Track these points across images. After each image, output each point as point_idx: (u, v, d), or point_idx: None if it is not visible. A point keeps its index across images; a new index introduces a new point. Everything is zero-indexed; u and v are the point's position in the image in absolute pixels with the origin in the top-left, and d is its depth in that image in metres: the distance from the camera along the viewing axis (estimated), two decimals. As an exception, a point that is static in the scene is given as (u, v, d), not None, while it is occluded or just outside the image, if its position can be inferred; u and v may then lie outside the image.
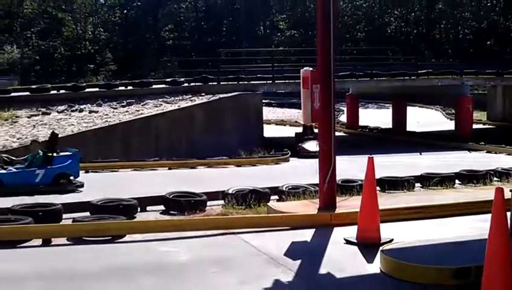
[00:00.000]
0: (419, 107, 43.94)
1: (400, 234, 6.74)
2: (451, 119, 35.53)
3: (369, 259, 6.06)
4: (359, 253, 6.32)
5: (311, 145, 18.35)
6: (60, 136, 17.44)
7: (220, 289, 5.28)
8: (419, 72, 28.05)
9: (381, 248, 5.93)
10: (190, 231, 7.23)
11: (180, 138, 19.75)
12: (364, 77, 27.24)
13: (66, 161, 12.28)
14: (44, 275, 5.71)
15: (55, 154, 12.27)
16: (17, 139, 16.96)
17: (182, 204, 9.15)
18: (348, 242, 6.67)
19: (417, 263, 5.40)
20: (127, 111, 20.40)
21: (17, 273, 5.78)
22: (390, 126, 32.61)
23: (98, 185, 12.40)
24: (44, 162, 12.08)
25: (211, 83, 23.74)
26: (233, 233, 7.24)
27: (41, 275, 5.70)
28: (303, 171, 15.35)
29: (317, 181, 9.35)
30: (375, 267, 5.81)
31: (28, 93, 22.01)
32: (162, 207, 9.42)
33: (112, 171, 15.39)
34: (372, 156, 6.58)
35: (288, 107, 44.78)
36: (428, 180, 11.83)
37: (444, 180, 11.77)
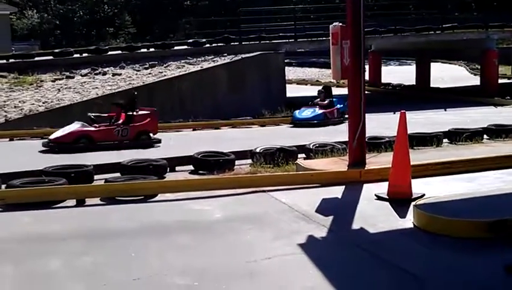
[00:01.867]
0: (442, 63, 43.29)
1: (431, 190, 6.74)
2: (475, 75, 34.99)
3: (402, 214, 6.07)
4: (391, 208, 6.33)
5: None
6: (84, 99, 17.63)
7: (255, 245, 5.33)
8: (443, 26, 27.49)
9: (414, 203, 5.94)
10: (221, 189, 7.30)
11: (203, 99, 19.73)
12: (387, 33, 26.80)
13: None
14: (81, 234, 5.82)
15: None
16: (43, 103, 17.12)
17: (210, 163, 9.20)
18: (379, 198, 6.68)
19: (451, 216, 5.41)
20: (149, 73, 20.39)
21: (54, 233, 5.91)
22: (414, 83, 32.22)
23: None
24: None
25: (232, 43, 23.56)
26: (263, 191, 7.29)
27: (78, 234, 5.81)
28: (326, 130, 15.37)
29: (343, 139, 9.38)
30: (407, 222, 5.83)
31: (51, 57, 22.04)
32: (190, 167, 9.49)
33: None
34: (403, 111, 6.51)
35: (309, 66, 44.46)
36: (457, 136, 11.73)
37: (472, 136, 11.65)
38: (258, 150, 9.82)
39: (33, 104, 17.10)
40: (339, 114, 17.22)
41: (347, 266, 4.82)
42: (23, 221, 6.31)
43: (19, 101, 17.36)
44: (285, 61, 25.42)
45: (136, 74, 20.32)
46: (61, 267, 4.87)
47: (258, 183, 7.47)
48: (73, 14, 54.76)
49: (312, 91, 29.91)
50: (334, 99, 17.82)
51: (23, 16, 49.26)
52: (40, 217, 6.42)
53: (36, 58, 21.78)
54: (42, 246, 5.48)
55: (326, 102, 17.62)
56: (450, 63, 44.16)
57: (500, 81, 29.47)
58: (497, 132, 12.39)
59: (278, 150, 9.64)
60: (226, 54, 22.23)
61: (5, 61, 21.07)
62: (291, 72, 39.43)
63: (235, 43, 23.51)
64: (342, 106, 16.96)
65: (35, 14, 50.16)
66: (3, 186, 7.61)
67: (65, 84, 19.13)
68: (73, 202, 6.95)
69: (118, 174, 8.46)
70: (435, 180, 7.42)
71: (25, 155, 11.37)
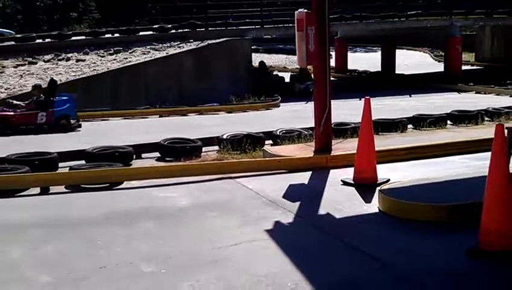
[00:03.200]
0: (408, 49, 43.77)
1: (396, 175, 6.83)
2: (439, 61, 35.52)
3: (367, 199, 6.14)
4: (357, 193, 6.40)
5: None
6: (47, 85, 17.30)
7: (221, 232, 5.33)
8: (408, 13, 27.78)
9: (378, 188, 6.02)
10: (188, 176, 7.27)
11: (169, 85, 19.60)
12: (353, 20, 26.95)
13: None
14: (45, 222, 5.73)
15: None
16: (5, 89, 16.77)
17: (177, 150, 9.14)
18: (345, 183, 6.75)
19: (415, 201, 5.49)
20: (114, 59, 20.14)
21: (18, 221, 5.81)
22: (379, 70, 32.53)
23: (90, 133, 12.39)
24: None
25: (198, 29, 23.41)
26: (230, 177, 7.29)
27: (42, 222, 5.72)
28: (294, 116, 15.41)
29: (310, 125, 9.42)
30: (373, 206, 5.90)
31: (12, 42, 21.59)
32: (157, 154, 9.42)
33: (103, 120, 15.32)
34: (368, 97, 6.57)
35: (276, 53, 44.46)
36: (421, 122, 11.90)
37: (436, 121, 11.84)
38: (225, 137, 9.80)
39: (-5, 90, 16.74)
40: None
41: (313, 250, 4.85)
42: (-15, 210, 6.19)
43: (-20, 88, 16.97)
44: (252, 47, 25.37)
45: (101, 60, 20.05)
46: (24, 255, 4.79)
47: (225, 169, 7.47)
48: (35, -2, 53.56)
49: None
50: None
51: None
52: (3, 205, 6.31)
53: (-3, 44, 21.29)
54: (4, 234, 5.39)
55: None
56: (414, 50, 44.71)
57: (464, 67, 29.96)
58: (460, 117, 12.61)
59: (245, 137, 9.64)
60: (192, 40, 22.10)
61: (-36, 46, 20.56)
62: (258, 59, 39.27)
63: (202, 29, 23.38)
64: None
65: (-4, -1, 48.99)
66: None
67: (28, 70, 18.77)
68: (37, 190, 6.85)
69: (82, 162, 8.35)
70: (400, 166, 7.53)
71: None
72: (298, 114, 15.94)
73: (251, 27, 24.22)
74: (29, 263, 4.63)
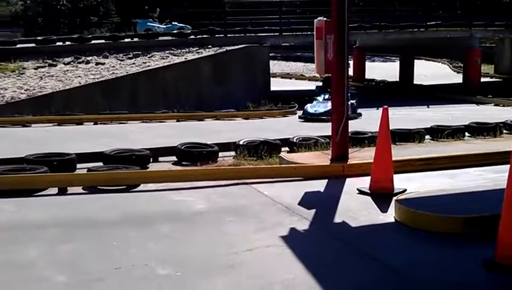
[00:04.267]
0: (426, 60, 43.58)
1: (413, 185, 6.80)
2: (458, 73, 35.31)
3: (383, 209, 6.12)
4: (372, 203, 6.37)
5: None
6: (67, 88, 17.49)
7: (237, 237, 5.34)
8: (428, 23, 27.69)
9: (395, 198, 6.00)
10: (204, 181, 7.30)
11: (187, 91, 19.72)
12: (372, 29, 26.92)
13: None
14: (62, 222, 5.79)
15: None
16: (25, 90, 16.97)
17: (194, 155, 9.18)
18: (361, 192, 6.73)
19: (432, 211, 5.47)
20: (133, 63, 20.31)
21: (35, 221, 5.86)
22: (397, 79, 32.43)
23: (108, 135, 12.48)
24: None
25: (217, 35, 23.53)
26: (246, 183, 7.29)
27: (59, 222, 5.78)
28: (310, 124, 15.42)
29: (326, 133, 9.42)
30: (389, 216, 5.87)
31: (33, 44, 21.87)
32: (174, 158, 9.47)
33: (120, 123, 15.43)
34: (386, 106, 6.55)
35: (293, 60, 44.53)
36: (438, 133, 11.83)
37: (453, 133, 11.77)
38: (241, 142, 9.82)
39: (15, 91, 16.97)
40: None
41: (328, 258, 4.85)
42: (4, 208, 6.24)
43: (1, 88, 17.20)
44: (270, 54, 25.45)
45: (120, 64, 20.23)
46: (41, 255, 4.83)
47: (241, 175, 7.48)
48: (57, 1, 54.10)
49: (296, 85, 30.07)
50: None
51: (6, 2, 48.61)
52: (21, 205, 6.37)
53: (19, 46, 21.61)
54: (22, 233, 5.44)
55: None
56: (433, 61, 44.50)
57: (483, 79, 29.79)
58: (479, 129, 12.51)
59: (262, 143, 9.65)
60: (210, 46, 22.22)
61: (-14, 47, 20.84)
62: (275, 66, 39.46)
63: (220, 35, 23.51)
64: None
65: (19, 1, 49.52)
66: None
67: (47, 72, 18.99)
68: (55, 190, 6.91)
69: (100, 164, 8.41)
70: (417, 176, 7.48)
71: (6, 142, 11.27)
72: (315, 122, 15.96)
73: (269, 34, 24.31)
74: (45, 263, 4.67)
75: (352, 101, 17.52)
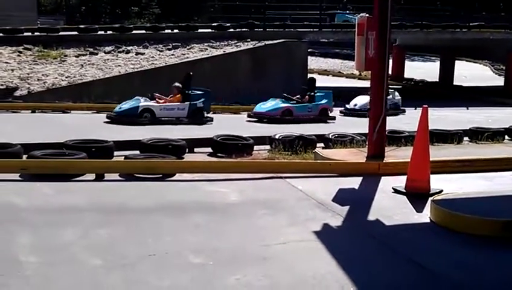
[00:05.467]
0: (467, 61, 42.83)
1: (449, 186, 6.71)
2: (499, 75, 34.64)
3: (418, 209, 6.05)
4: (408, 202, 6.31)
5: None
6: (107, 76, 17.74)
7: (270, 229, 5.36)
8: (470, 24, 27.21)
9: (431, 198, 5.92)
10: (238, 173, 7.32)
11: (224, 83, 19.77)
12: (413, 28, 26.57)
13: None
14: (99, 208, 5.89)
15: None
16: (66, 77, 17.28)
17: (229, 147, 9.23)
18: (396, 191, 6.66)
19: (468, 213, 5.39)
20: (172, 54, 20.47)
21: (73, 205, 5.98)
22: (437, 80, 31.97)
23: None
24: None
25: (256, 29, 23.53)
26: (280, 177, 7.30)
27: (96, 207, 5.88)
28: (346, 120, 15.34)
29: (363, 131, 9.36)
30: (424, 216, 5.81)
31: (76, 33, 22.22)
32: (209, 149, 9.53)
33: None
34: (426, 105, 6.47)
35: (331, 57, 44.25)
36: (477, 135, 11.64)
37: (493, 135, 11.56)
38: (277, 137, 9.83)
39: (56, 78, 17.29)
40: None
41: (360, 255, 4.83)
42: (43, 192, 6.39)
43: (42, 75, 17.54)
44: (308, 50, 25.32)
45: (159, 54, 20.41)
46: (77, 238, 4.93)
47: (276, 169, 7.49)
48: (99, -9, 54.80)
49: (333, 82, 29.92)
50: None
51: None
52: (59, 189, 6.50)
53: (61, 33, 21.97)
54: (60, 217, 5.55)
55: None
56: (474, 62, 43.69)
57: (525, 83, 29.09)
58: (520, 133, 12.27)
59: (297, 138, 9.65)
60: (249, 40, 22.23)
61: (30, 34, 21.27)
62: (313, 62, 39.28)
63: (259, 29, 23.47)
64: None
65: (63, -10, 50.36)
66: (24, 156, 7.70)
67: (88, 60, 19.28)
68: (92, 176, 7.02)
69: (137, 152, 8.52)
70: (454, 177, 7.37)
71: (46, 128, 11.50)
72: (350, 119, 15.86)
73: (309, 30, 24.19)
74: (81, 246, 4.76)
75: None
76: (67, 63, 18.96)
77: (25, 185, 6.67)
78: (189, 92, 14.30)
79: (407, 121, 12.36)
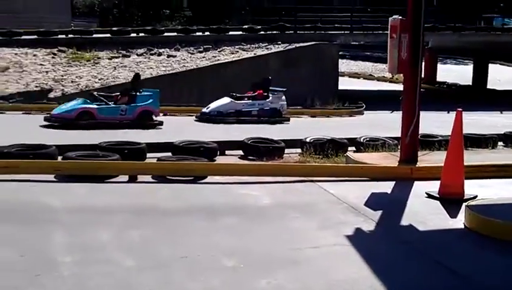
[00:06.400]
0: (501, 64, 42.09)
1: (484, 192, 6.60)
2: (535, 79, 33.96)
3: (452, 214, 5.98)
4: (441, 208, 6.23)
5: None
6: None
7: (301, 233, 5.35)
8: (505, 26, 26.75)
9: (466, 204, 5.84)
10: (270, 176, 7.33)
11: (255, 86, 19.75)
12: (446, 30, 26.23)
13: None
14: (131, 209, 5.96)
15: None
16: (99, 80, 17.50)
17: (260, 150, 9.23)
18: (429, 196, 6.59)
19: (503, 219, 5.30)
20: (203, 57, 20.56)
21: (107, 205, 6.07)
22: (470, 83, 31.49)
23: (174, 127, 12.72)
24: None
25: (287, 32, 23.48)
26: (312, 181, 7.27)
27: (128, 209, 5.95)
28: (378, 124, 15.17)
29: (396, 135, 9.26)
30: (458, 222, 5.74)
31: (109, 35, 22.47)
32: (240, 152, 9.55)
33: (189, 115, 15.65)
34: (460, 109, 6.38)
35: (362, 60, 43.90)
36: (512, 140, 11.43)
37: (529, 141, 11.34)
38: (308, 140, 9.79)
39: (89, 80, 17.52)
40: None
41: (393, 261, 4.79)
42: (78, 192, 6.49)
43: (76, 76, 17.80)
44: (339, 53, 25.18)
45: (190, 57, 20.52)
46: (111, 238, 5.00)
47: (307, 172, 7.47)
48: (132, -6, 55.43)
49: (364, 85, 29.73)
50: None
51: (83, -7, 50.21)
52: (93, 190, 6.60)
53: (94, 35, 22.23)
54: (94, 217, 5.63)
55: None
56: (509, 66, 42.89)
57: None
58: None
59: (329, 141, 9.60)
60: (280, 42, 22.19)
61: (64, 36, 21.58)
62: (344, 65, 38.99)
63: (290, 32, 23.41)
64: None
65: (96, -7, 51.02)
66: (59, 157, 7.82)
67: (121, 63, 19.49)
68: (125, 177, 7.10)
69: (169, 154, 8.58)
70: (488, 183, 7.25)
71: (80, 129, 11.69)
72: (380, 122, 15.71)
73: (340, 32, 24.05)
74: (115, 246, 4.82)
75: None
76: (101, 65, 19.19)
77: (59, 186, 6.78)
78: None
79: (439, 124, 12.18)
